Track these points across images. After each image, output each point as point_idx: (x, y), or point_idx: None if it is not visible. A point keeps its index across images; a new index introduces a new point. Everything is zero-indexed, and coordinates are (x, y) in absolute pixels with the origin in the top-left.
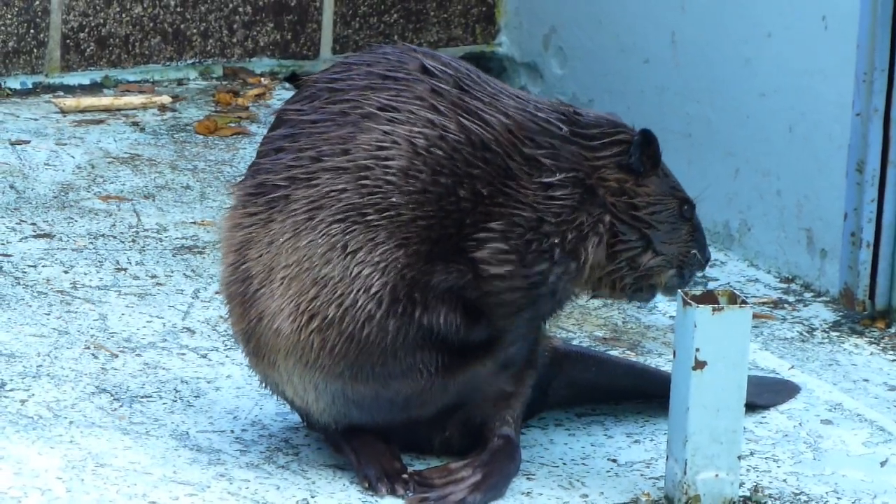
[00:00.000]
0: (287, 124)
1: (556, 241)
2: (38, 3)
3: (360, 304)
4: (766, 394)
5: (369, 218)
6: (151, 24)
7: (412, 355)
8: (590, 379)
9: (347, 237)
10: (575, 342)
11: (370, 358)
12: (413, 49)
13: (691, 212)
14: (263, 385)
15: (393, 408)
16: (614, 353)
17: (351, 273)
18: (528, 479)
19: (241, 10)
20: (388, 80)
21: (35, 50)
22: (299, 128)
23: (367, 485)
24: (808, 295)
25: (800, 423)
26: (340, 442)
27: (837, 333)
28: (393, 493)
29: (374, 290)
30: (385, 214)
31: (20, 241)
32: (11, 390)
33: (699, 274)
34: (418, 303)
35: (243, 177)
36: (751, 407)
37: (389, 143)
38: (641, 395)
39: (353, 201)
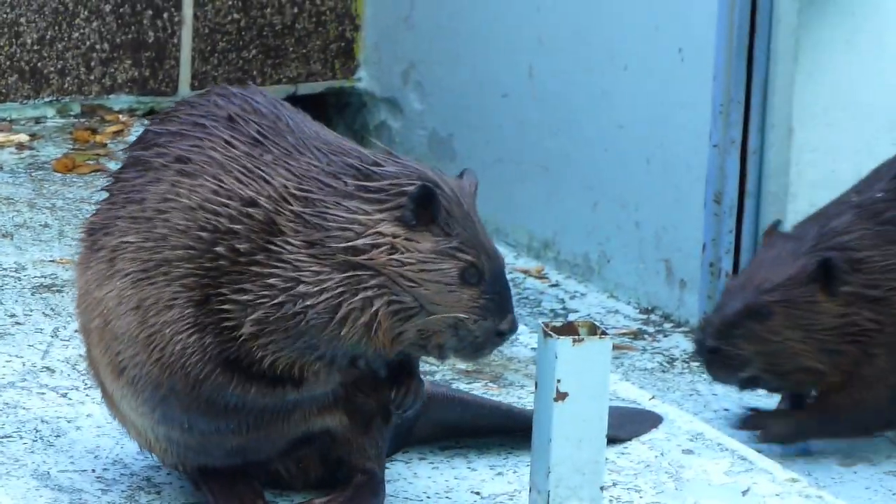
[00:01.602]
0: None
1: (310, 302)
2: None
3: (146, 369)
4: (627, 424)
5: (150, 274)
6: (8, 63)
7: (220, 419)
8: (454, 419)
9: (131, 293)
10: (438, 376)
11: (184, 414)
12: (234, 93)
13: (477, 277)
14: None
15: (226, 455)
16: (477, 385)
17: (136, 335)
18: None
19: (98, 47)
20: (197, 127)
21: None
22: (120, 173)
23: None
24: (667, 325)
25: (661, 454)
26: (199, 480)
27: (697, 363)
28: None
29: (153, 356)
30: (160, 270)
31: None
32: None
33: (499, 345)
34: (198, 376)
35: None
36: (613, 438)
37: (173, 195)
38: (506, 432)
39: (140, 255)
